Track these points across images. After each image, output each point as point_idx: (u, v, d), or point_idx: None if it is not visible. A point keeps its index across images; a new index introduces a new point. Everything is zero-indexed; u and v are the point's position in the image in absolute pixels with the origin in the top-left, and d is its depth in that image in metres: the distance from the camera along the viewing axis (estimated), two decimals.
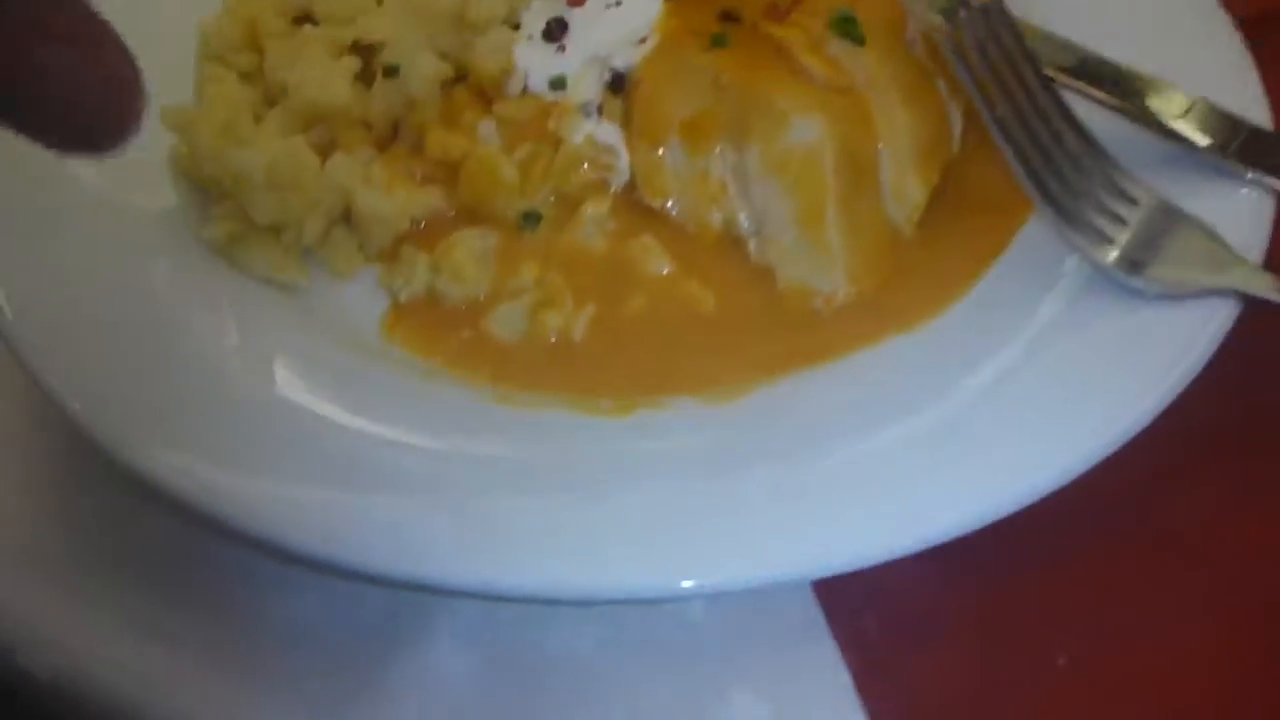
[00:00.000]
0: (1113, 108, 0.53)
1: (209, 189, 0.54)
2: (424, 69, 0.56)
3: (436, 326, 0.52)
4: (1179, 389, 0.44)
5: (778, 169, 0.51)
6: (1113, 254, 0.47)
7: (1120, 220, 0.48)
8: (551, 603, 0.44)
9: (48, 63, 0.25)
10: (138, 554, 0.48)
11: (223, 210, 0.53)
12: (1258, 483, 0.48)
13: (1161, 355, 0.45)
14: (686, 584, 0.41)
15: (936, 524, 0.42)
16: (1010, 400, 0.46)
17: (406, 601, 0.45)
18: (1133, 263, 0.47)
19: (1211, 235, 0.48)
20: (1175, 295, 0.46)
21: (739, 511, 0.43)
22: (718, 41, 0.54)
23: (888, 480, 0.44)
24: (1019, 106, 0.47)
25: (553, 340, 0.51)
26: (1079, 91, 0.53)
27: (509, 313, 0.52)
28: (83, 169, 0.52)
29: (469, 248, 0.52)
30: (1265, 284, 0.46)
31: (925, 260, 0.52)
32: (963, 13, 0.49)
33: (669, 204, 0.55)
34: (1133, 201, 0.49)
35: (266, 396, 0.47)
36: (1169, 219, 0.48)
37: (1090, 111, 0.53)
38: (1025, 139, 0.47)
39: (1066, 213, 0.47)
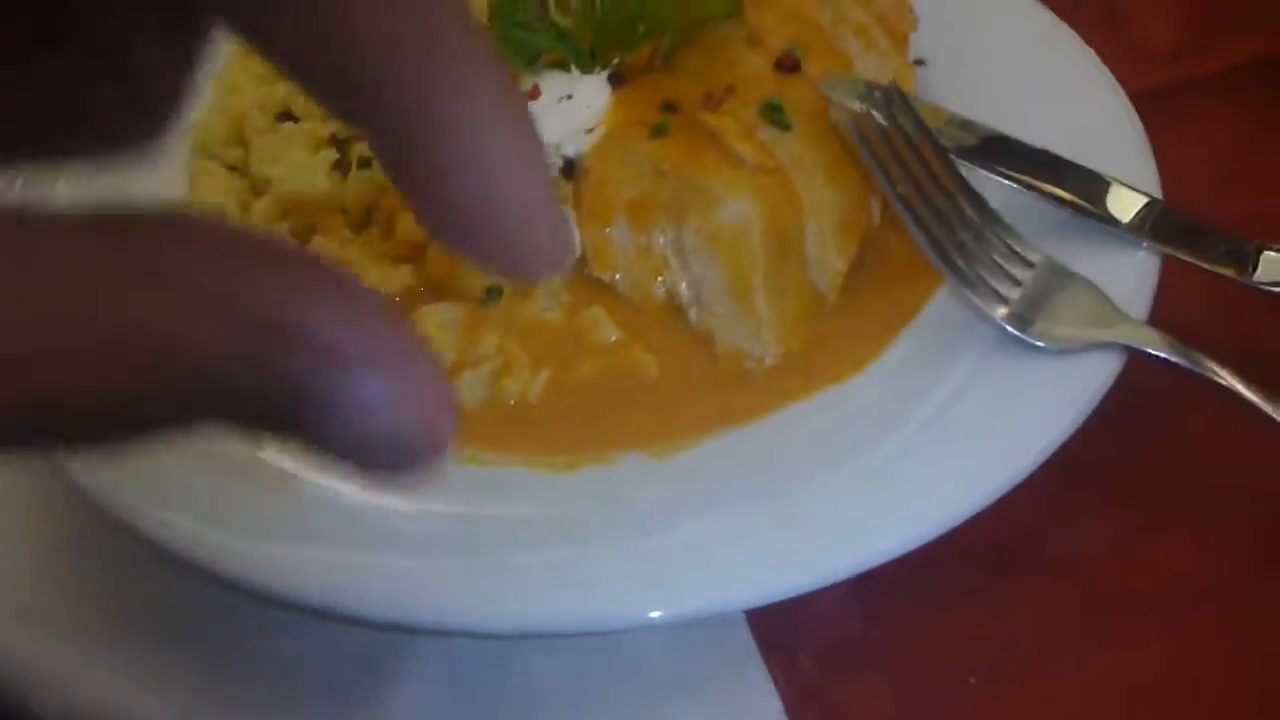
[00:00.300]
0: (1015, 182, 0.58)
1: None
2: None
3: None
4: (1068, 433, 0.49)
5: (711, 244, 0.57)
6: (1004, 311, 0.53)
7: (1014, 281, 0.53)
8: (507, 638, 0.49)
9: None
10: (138, 600, 0.52)
11: None
12: (1146, 516, 0.53)
13: (1054, 404, 0.50)
14: (630, 617, 0.46)
15: (856, 557, 0.47)
16: (922, 446, 0.51)
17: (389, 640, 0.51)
18: (1024, 319, 0.52)
19: (1099, 294, 0.53)
20: (1067, 350, 0.52)
21: (678, 553, 0.48)
22: (658, 131, 0.60)
23: (813, 520, 0.49)
24: (920, 183, 0.53)
25: (511, 403, 0.56)
26: (983, 168, 0.58)
27: (472, 379, 0.57)
28: None
29: (436, 320, 0.58)
30: (1148, 339, 0.52)
31: (848, 323, 0.57)
32: (860, 104, 0.55)
33: (617, 277, 0.60)
34: (1027, 264, 0.54)
35: (252, 460, 0.52)
36: (1060, 280, 0.54)
37: (995, 185, 0.59)
38: (926, 212, 0.53)
39: (963, 275, 0.53)
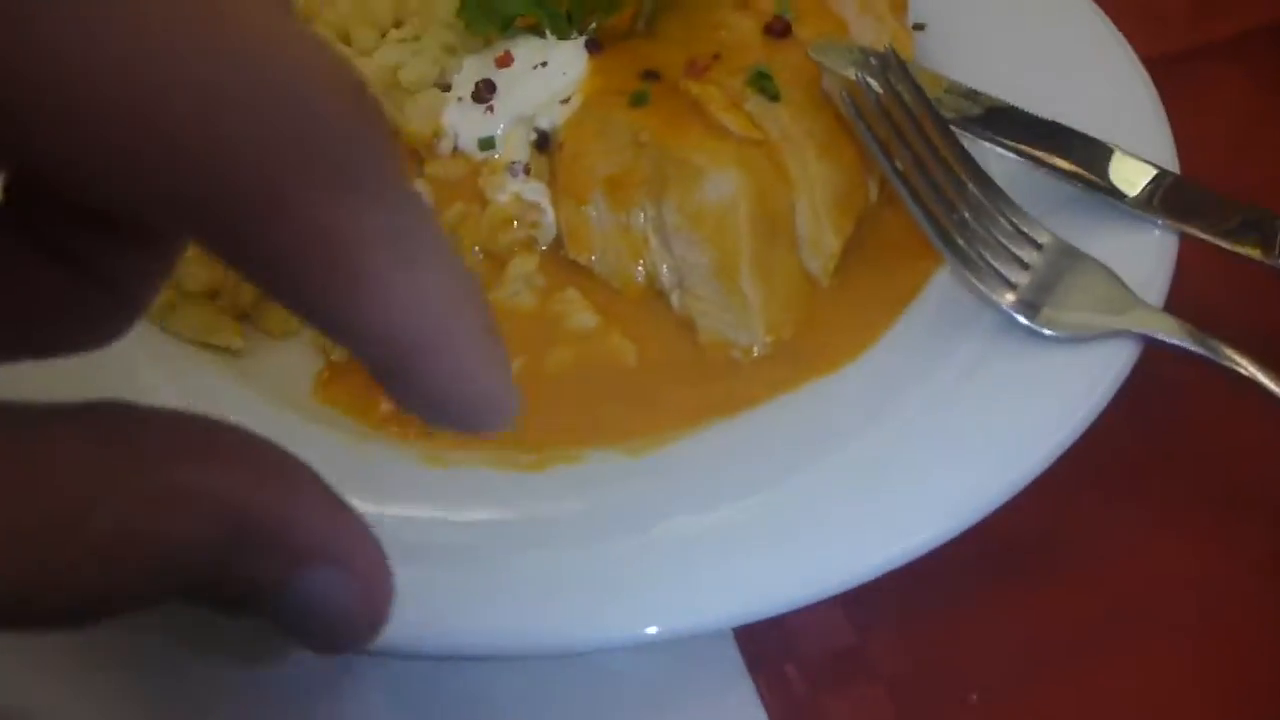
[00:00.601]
0: (1019, 154, 0.54)
1: None
2: None
3: (367, 386, 0.53)
4: (1081, 430, 0.45)
5: (694, 223, 0.52)
6: (1011, 297, 0.49)
7: (1021, 264, 0.49)
8: (471, 659, 0.45)
9: None
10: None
11: None
12: (1161, 515, 0.49)
13: (1064, 398, 0.46)
14: (608, 637, 0.43)
15: (851, 569, 0.43)
16: (921, 444, 0.47)
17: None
18: (1032, 306, 0.48)
19: (1112, 278, 0.49)
20: (1078, 338, 0.48)
21: (657, 563, 0.44)
22: (638, 100, 0.56)
23: (803, 527, 0.45)
24: (919, 156, 0.49)
25: None
26: (985, 139, 0.54)
27: None
28: None
29: None
30: (1164, 326, 0.48)
31: (842, 308, 0.53)
32: (855, 71, 0.51)
33: (594, 258, 0.56)
34: (1034, 245, 0.50)
35: None
36: (1071, 262, 0.50)
37: (1000, 158, 0.54)
38: (925, 188, 0.49)
39: (967, 258, 0.49)
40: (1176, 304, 0.49)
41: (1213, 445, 0.52)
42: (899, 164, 0.49)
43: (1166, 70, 0.60)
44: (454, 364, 0.22)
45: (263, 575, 0.21)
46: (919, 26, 0.65)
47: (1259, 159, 0.65)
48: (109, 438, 0.20)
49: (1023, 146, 0.54)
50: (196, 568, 0.20)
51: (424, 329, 0.21)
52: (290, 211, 0.19)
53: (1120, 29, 0.62)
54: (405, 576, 0.43)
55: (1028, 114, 0.55)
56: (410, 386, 0.22)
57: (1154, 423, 0.51)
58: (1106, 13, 0.63)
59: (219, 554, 0.20)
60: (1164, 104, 0.58)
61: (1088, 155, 0.53)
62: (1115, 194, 0.53)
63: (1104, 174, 0.53)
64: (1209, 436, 0.52)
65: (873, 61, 0.52)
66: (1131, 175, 0.53)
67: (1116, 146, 0.54)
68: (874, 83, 0.51)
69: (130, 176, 0.19)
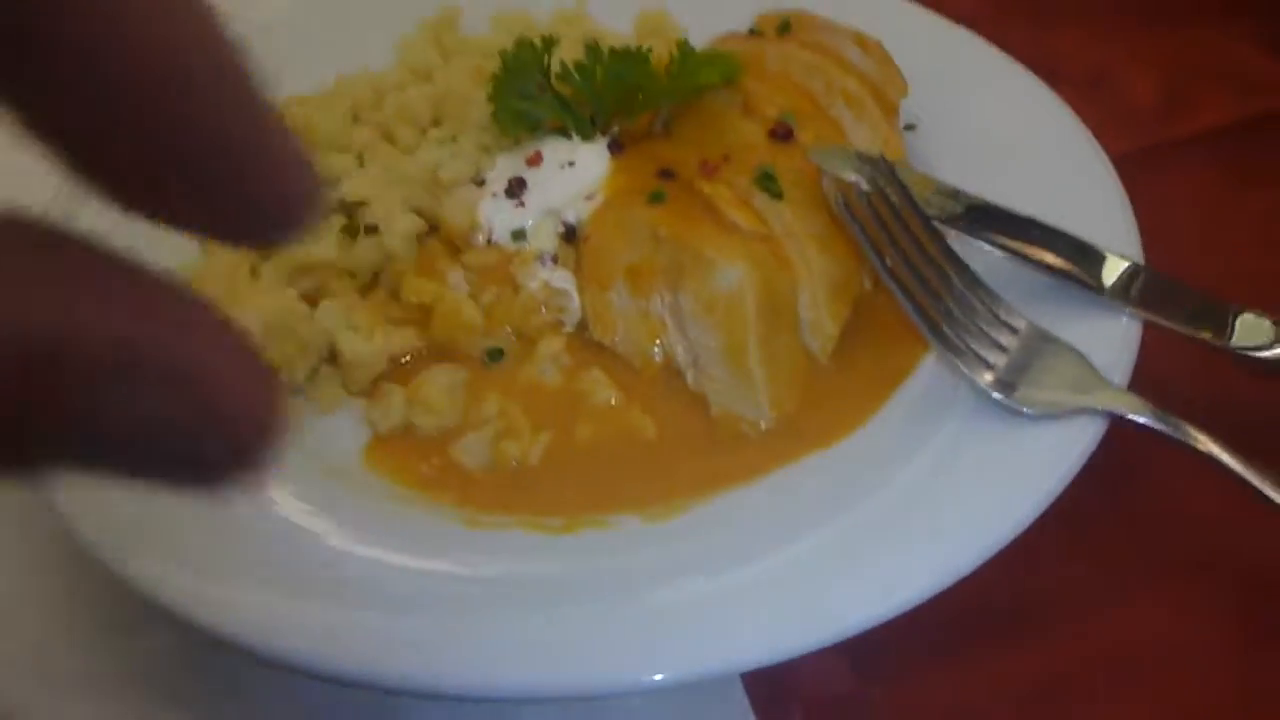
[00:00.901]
0: (998, 247, 0.60)
1: None
2: (401, 226, 0.64)
3: (411, 455, 0.59)
4: (1051, 500, 0.51)
5: (707, 310, 0.58)
6: (990, 377, 0.55)
7: (1000, 347, 0.55)
8: (509, 701, 0.50)
9: None
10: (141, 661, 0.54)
11: None
12: (1130, 578, 0.54)
13: (1037, 470, 0.52)
14: (629, 681, 0.48)
15: (849, 620, 0.49)
16: (908, 511, 0.52)
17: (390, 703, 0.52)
18: (1007, 385, 0.54)
19: (1081, 360, 0.55)
20: (1051, 415, 0.54)
21: (674, 617, 0.50)
22: (656, 198, 0.62)
23: (806, 582, 0.50)
24: (907, 254, 0.55)
25: (513, 465, 0.58)
26: (969, 234, 0.60)
27: (474, 442, 0.58)
28: None
29: (440, 383, 0.59)
30: (1128, 404, 0.53)
31: (839, 386, 0.59)
32: (850, 173, 0.57)
33: (616, 340, 0.62)
34: (1012, 331, 0.56)
35: (262, 516, 0.54)
36: (1044, 346, 0.56)
37: (982, 250, 0.60)
38: (913, 281, 0.55)
39: (950, 343, 0.55)
40: (1141, 384, 0.55)
41: (1173, 514, 0.57)
42: (889, 260, 0.55)
43: (1140, 163, 0.66)
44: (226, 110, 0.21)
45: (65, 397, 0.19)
46: (910, 127, 0.71)
47: (1222, 248, 0.71)
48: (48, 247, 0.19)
49: (1002, 240, 0.60)
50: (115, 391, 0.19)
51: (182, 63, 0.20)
52: None
53: (1096, 125, 0.68)
54: (448, 626, 0.49)
55: (1006, 211, 0.61)
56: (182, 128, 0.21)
57: (1120, 493, 0.56)
58: (1084, 109, 0.70)
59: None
60: (1134, 196, 0.64)
61: (1061, 248, 0.59)
62: (1086, 284, 0.58)
63: (1076, 265, 0.59)
64: (1169, 506, 0.57)
65: (866, 165, 0.58)
66: (1101, 267, 0.59)
67: (1087, 241, 0.60)
68: (866, 185, 0.57)
69: None
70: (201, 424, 0.21)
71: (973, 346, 0.55)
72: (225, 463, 0.21)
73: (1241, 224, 0.73)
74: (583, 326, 0.63)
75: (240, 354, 0.21)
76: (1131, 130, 0.77)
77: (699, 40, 0.71)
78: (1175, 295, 0.58)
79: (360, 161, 0.69)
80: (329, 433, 0.60)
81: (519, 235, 0.65)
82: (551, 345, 0.62)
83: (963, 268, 0.57)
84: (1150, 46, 0.84)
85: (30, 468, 0.20)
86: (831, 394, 0.58)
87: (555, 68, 0.66)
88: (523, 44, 0.66)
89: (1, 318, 0.19)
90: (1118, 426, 0.53)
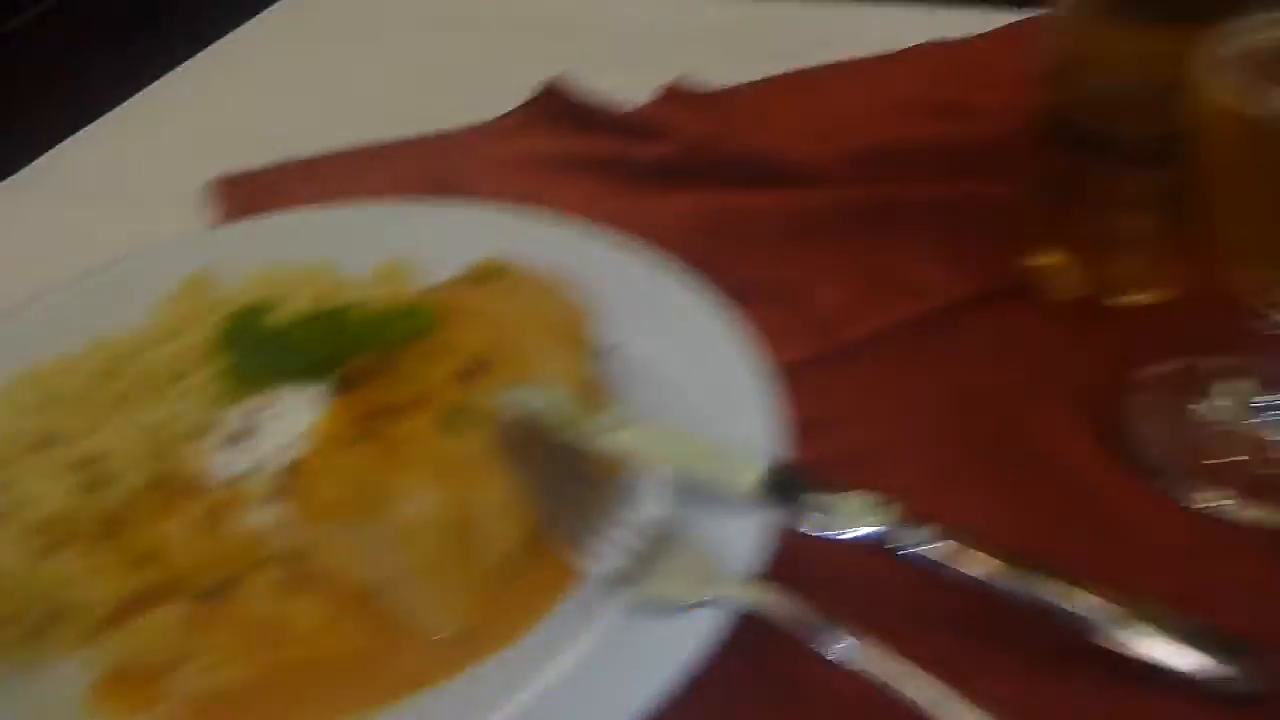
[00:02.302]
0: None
1: None
2: (137, 475, 0.72)
3: (134, 693, 0.65)
4: (665, 691, 0.57)
5: (396, 535, 0.67)
6: (611, 573, 0.64)
7: (623, 544, 0.64)
8: None
9: None
10: None
11: None
12: None
13: (656, 664, 0.59)
14: None
15: None
16: (547, 710, 0.60)
17: None
18: (629, 580, 0.63)
19: (706, 554, 0.64)
20: (676, 608, 0.62)
21: None
22: (361, 438, 0.71)
23: None
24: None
25: (224, 691, 0.64)
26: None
27: (192, 673, 0.65)
28: None
29: (157, 625, 0.66)
30: (751, 596, 0.62)
31: (513, 597, 0.67)
32: (520, 413, 0.67)
33: (328, 565, 0.69)
34: (644, 532, 0.65)
35: None
36: (670, 542, 0.65)
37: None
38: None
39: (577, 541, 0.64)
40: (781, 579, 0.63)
41: (818, 702, 0.64)
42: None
43: (810, 371, 0.79)
44: None
45: None
46: (612, 349, 0.82)
47: (882, 445, 0.80)
48: None
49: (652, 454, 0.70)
50: None
51: None
52: None
53: (774, 337, 0.78)
54: None
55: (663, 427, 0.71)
56: None
57: (760, 683, 0.64)
58: (764, 322, 0.80)
59: None
60: (801, 396, 0.74)
61: (704, 455, 0.69)
62: (721, 485, 0.68)
63: (714, 468, 0.69)
64: (812, 696, 0.64)
65: (536, 403, 0.69)
66: (740, 469, 0.69)
67: (738, 447, 0.69)
68: (527, 428, 0.67)
69: None
70: None
71: (596, 545, 0.64)
72: None
73: (898, 432, 0.82)
74: (299, 555, 0.70)
75: None
76: (808, 339, 0.88)
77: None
78: (810, 491, 0.68)
79: (106, 417, 0.76)
80: (48, 680, 0.66)
81: (244, 477, 0.72)
82: (270, 575, 0.69)
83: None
84: (834, 261, 0.96)
85: None
86: (505, 605, 0.67)
87: (275, 325, 0.76)
88: (244, 307, 0.76)
89: None
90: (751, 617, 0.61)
